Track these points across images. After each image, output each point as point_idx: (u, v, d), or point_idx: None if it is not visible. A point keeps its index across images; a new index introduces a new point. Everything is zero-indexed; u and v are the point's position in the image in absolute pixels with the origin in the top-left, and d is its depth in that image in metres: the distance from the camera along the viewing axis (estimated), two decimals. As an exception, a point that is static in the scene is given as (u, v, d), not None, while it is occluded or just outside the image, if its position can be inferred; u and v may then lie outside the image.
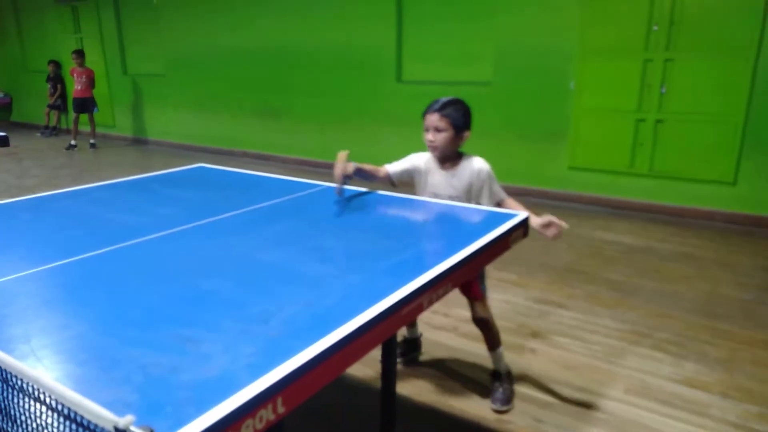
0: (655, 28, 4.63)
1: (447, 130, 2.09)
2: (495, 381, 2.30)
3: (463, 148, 2.20)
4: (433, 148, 2.15)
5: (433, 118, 2.10)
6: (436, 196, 2.19)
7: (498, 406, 2.22)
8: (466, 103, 2.15)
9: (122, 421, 0.54)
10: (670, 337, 2.77)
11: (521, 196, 5.43)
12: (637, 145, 4.91)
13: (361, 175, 2.19)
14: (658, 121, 4.77)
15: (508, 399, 2.25)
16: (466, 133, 2.14)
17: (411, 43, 6.19)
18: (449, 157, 2.18)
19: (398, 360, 2.54)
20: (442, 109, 2.09)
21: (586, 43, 4.96)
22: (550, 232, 1.96)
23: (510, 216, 1.82)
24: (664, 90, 4.69)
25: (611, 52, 4.86)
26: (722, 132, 4.51)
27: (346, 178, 2.09)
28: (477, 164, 2.15)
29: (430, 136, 2.12)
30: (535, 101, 5.39)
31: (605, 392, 2.32)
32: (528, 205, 2.06)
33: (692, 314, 3.00)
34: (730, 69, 4.40)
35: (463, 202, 2.14)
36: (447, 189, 2.17)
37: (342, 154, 2.10)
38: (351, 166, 2.09)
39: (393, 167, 2.27)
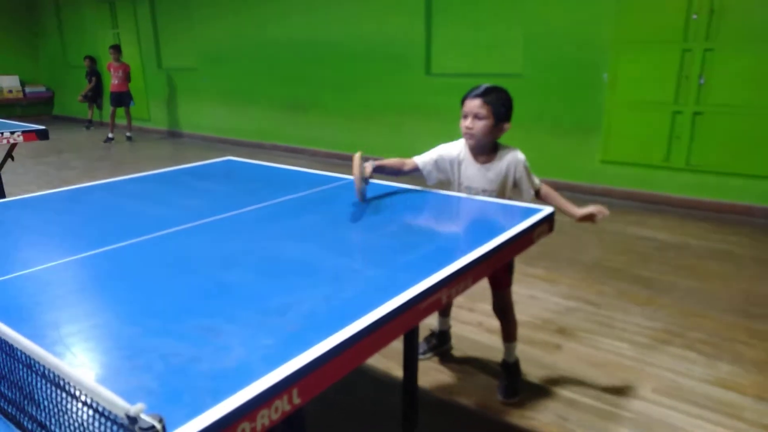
0: (694, 17, 4.46)
1: (487, 118, 1.96)
2: (503, 372, 2.29)
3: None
4: (469, 136, 2.02)
5: (474, 104, 1.97)
6: (469, 189, 2.09)
7: (505, 398, 2.21)
8: (509, 94, 2.03)
9: (133, 409, 0.55)
10: (703, 336, 2.68)
11: (551, 190, 5.37)
12: (673, 138, 4.76)
13: (384, 172, 2.06)
14: (696, 114, 4.61)
15: (516, 391, 2.24)
16: (506, 125, 2.02)
17: (440, 36, 6.14)
18: (484, 149, 2.06)
19: (429, 354, 2.54)
20: (485, 95, 1.97)
21: (621, 32, 4.82)
22: (590, 221, 2.02)
23: (534, 211, 1.79)
24: (702, 81, 4.52)
25: (647, 41, 4.72)
26: (763, 125, 4.33)
27: (366, 181, 1.94)
28: (515, 156, 2.05)
29: (468, 123, 1.99)
30: (567, 93, 5.28)
31: (633, 391, 2.27)
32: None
33: (728, 314, 2.90)
34: (774, 59, 4.22)
35: (497, 195, 2.06)
36: (481, 182, 2.07)
37: (356, 157, 1.92)
38: (369, 168, 1.94)
39: (421, 159, 2.14)
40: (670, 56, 4.63)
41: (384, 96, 6.68)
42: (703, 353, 2.54)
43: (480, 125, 1.98)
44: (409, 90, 6.42)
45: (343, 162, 6.95)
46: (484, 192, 2.08)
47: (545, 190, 2.09)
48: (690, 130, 4.66)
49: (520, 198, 2.05)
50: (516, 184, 2.08)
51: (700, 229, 4.26)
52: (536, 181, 2.09)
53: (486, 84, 2.03)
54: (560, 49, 5.22)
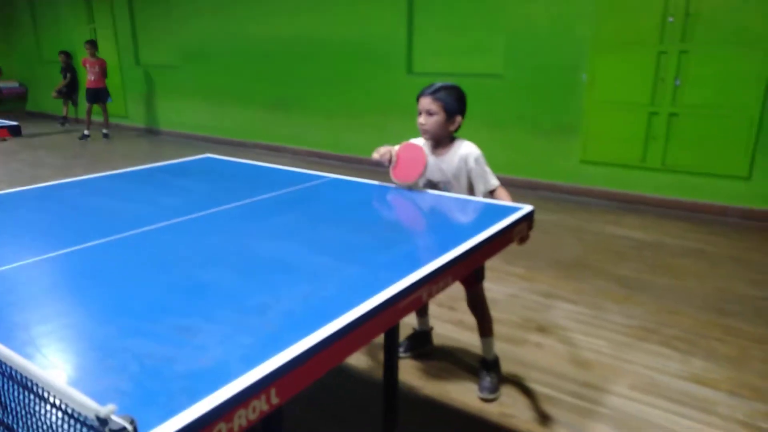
0: (670, 19, 4.54)
1: (438, 113, 2.09)
2: (482, 369, 2.31)
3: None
4: (424, 131, 2.15)
5: (426, 101, 2.11)
6: (429, 181, 2.19)
7: (485, 395, 2.22)
8: (460, 89, 2.15)
9: (103, 410, 0.54)
10: (678, 333, 2.73)
11: (531, 189, 5.44)
12: (649, 138, 4.83)
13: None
14: (672, 115, 4.69)
15: (495, 387, 2.25)
16: (458, 118, 2.13)
17: (422, 35, 6.14)
18: (441, 142, 2.17)
19: (407, 354, 2.53)
20: (435, 92, 2.10)
21: (600, 34, 4.89)
22: None
23: (514, 209, 1.80)
24: (678, 83, 4.61)
25: (625, 44, 4.79)
26: (737, 126, 4.43)
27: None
28: (465, 149, 2.13)
29: (421, 119, 2.13)
30: (546, 94, 5.33)
31: (610, 388, 2.30)
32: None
33: (703, 311, 2.96)
34: (747, 61, 4.31)
35: (453, 188, 2.14)
36: (436, 174, 2.17)
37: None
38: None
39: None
40: (646, 58, 4.71)
41: (366, 95, 6.67)
42: (679, 350, 2.59)
43: (432, 121, 2.11)
44: (391, 89, 6.41)
45: (324, 161, 6.92)
46: (440, 183, 2.16)
47: (499, 193, 2.10)
48: (666, 131, 4.74)
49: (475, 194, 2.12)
50: (469, 178, 2.14)
51: (676, 228, 4.34)
52: (492, 181, 2.12)
53: (438, 82, 2.15)
54: (540, 50, 5.27)
